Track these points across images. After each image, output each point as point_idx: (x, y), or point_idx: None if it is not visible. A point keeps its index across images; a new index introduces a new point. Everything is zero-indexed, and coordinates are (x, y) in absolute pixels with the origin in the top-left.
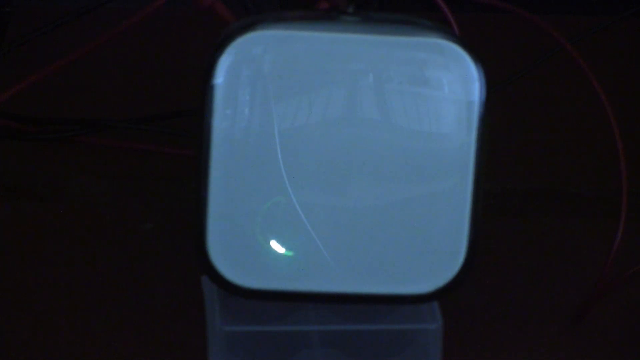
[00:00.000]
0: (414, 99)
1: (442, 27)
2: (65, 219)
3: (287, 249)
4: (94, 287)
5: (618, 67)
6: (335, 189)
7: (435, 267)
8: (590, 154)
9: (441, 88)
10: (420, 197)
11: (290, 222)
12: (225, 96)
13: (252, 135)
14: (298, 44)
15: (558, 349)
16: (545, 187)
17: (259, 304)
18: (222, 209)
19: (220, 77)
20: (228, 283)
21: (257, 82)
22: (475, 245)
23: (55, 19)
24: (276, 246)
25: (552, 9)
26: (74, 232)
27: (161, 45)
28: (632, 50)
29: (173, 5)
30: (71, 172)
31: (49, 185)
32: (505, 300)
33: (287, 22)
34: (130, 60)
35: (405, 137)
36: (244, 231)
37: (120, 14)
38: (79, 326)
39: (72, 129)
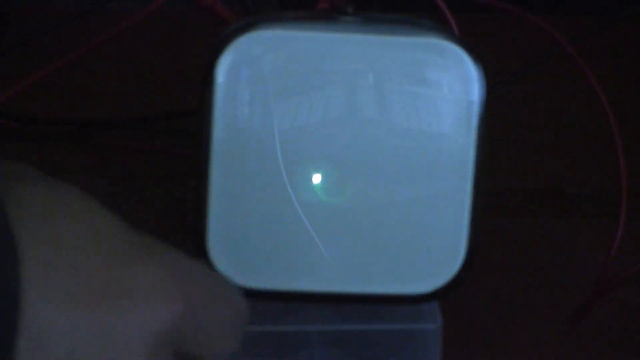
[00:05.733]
0: (414, 99)
1: (442, 27)
2: None
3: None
4: None
5: (618, 67)
6: (335, 189)
7: (435, 267)
8: (590, 154)
9: (441, 88)
10: (420, 197)
11: (290, 221)
12: (225, 96)
13: (252, 135)
14: (298, 44)
15: (558, 349)
16: (545, 187)
17: (259, 304)
18: (222, 209)
19: (220, 77)
20: None
21: (257, 82)
22: (475, 245)
23: (55, 19)
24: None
25: (552, 9)
26: None
27: (161, 45)
28: (632, 50)
29: (173, 5)
30: (71, 172)
31: None
32: (505, 300)
33: (287, 22)
34: (130, 60)
35: (404, 137)
36: (244, 231)
37: (120, 14)
38: None
39: (72, 129)
